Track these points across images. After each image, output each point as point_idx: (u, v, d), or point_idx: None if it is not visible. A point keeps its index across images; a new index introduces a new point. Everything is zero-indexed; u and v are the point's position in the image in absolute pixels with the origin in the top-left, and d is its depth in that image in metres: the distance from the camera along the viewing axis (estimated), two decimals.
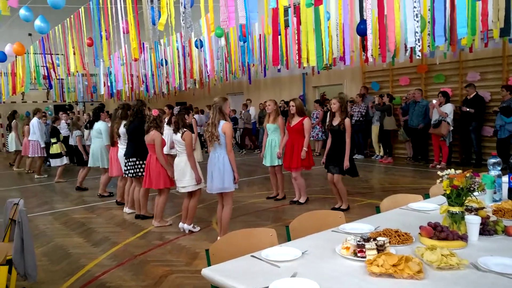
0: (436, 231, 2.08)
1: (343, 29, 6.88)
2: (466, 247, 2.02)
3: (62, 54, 10.56)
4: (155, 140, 5.20)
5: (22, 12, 7.12)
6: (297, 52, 7.72)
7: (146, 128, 5.30)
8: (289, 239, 2.44)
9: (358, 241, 1.93)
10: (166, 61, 11.56)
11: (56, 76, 12.59)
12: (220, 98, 4.49)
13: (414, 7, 4.73)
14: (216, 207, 4.78)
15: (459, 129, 8.99)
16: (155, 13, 6.11)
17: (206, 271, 1.89)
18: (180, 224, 5.15)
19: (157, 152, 5.21)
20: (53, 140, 9.10)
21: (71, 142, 8.95)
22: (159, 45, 11.26)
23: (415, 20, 4.72)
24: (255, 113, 14.02)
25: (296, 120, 6.10)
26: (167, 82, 12.24)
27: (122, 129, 5.96)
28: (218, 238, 4.55)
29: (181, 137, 4.79)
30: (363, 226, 2.41)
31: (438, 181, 2.29)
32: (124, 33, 7.78)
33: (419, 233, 2.13)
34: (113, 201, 6.97)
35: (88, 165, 7.52)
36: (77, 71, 9.99)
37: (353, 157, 6.20)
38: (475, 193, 2.23)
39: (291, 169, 6.15)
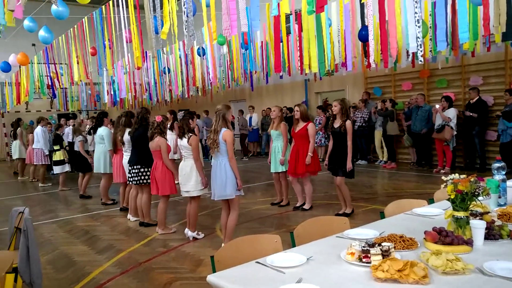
0: (441, 236, 2.08)
1: (344, 35, 6.92)
2: (472, 252, 2.02)
3: (65, 64, 10.66)
4: (161, 146, 5.22)
5: (26, 23, 7.19)
6: (299, 58, 7.76)
7: (150, 134, 5.33)
8: (293, 245, 2.44)
9: (363, 247, 1.93)
10: (169, 69, 11.63)
11: (60, 85, 12.68)
12: (223, 106, 4.51)
13: (416, 12, 4.74)
14: (220, 214, 4.78)
15: (463, 134, 8.97)
16: (158, 22, 6.16)
17: (212, 278, 1.89)
18: (186, 230, 5.15)
19: (164, 158, 5.23)
20: (56, 147, 9.14)
21: (75, 147, 8.98)
22: (161, 53, 11.33)
23: (416, 25, 4.73)
24: (257, 120, 14.08)
25: (300, 125, 6.11)
26: (170, 90, 12.29)
27: (126, 137, 5.98)
28: (223, 244, 4.55)
29: (187, 142, 4.81)
30: (367, 232, 2.40)
31: (442, 186, 2.29)
32: (127, 42, 7.86)
33: (424, 238, 2.13)
34: (116, 208, 6.98)
35: (93, 171, 7.56)
36: (80, 80, 10.06)
37: (356, 162, 6.20)
38: (480, 198, 2.23)
39: (297, 175, 6.15)
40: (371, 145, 11.13)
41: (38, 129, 10.06)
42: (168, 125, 7.47)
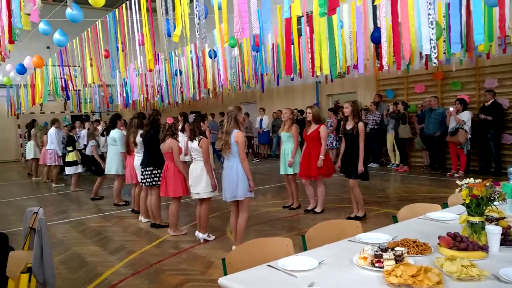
0: (456, 241, 2.05)
1: (356, 37, 6.89)
2: (487, 258, 1.98)
3: (79, 66, 10.80)
4: (173, 148, 5.24)
5: (42, 26, 7.31)
6: (310, 60, 7.74)
7: (162, 137, 5.35)
8: (305, 249, 2.42)
9: (376, 251, 1.91)
10: (181, 71, 11.70)
11: (73, 87, 12.85)
12: (235, 107, 4.51)
13: (429, 14, 4.69)
14: (230, 216, 4.78)
15: (477, 137, 8.85)
16: (170, 24, 6.20)
17: (223, 280, 1.89)
18: (196, 233, 5.17)
19: (176, 160, 5.25)
20: (69, 149, 9.25)
21: (87, 152, 9.08)
22: (173, 56, 11.41)
23: (430, 27, 4.68)
24: (268, 122, 14.08)
25: (312, 127, 6.08)
26: (181, 92, 12.37)
27: (138, 138, 6.03)
28: (233, 247, 4.55)
29: (198, 144, 4.83)
30: (380, 236, 2.38)
31: (457, 190, 2.25)
32: (139, 45, 7.93)
33: (438, 243, 2.10)
34: (128, 209, 7.03)
35: (105, 173, 7.63)
36: (93, 82, 10.18)
37: (368, 165, 6.14)
38: (496, 203, 2.19)
39: (310, 177, 6.12)
40: (383, 148, 11.03)
41: (52, 131, 10.20)
42: (180, 127, 7.50)
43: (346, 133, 5.65)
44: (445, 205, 3.18)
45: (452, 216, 2.71)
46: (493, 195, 2.14)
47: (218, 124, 13.75)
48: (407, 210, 3.02)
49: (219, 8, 5.96)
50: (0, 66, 10.36)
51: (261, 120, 14.16)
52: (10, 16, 5.98)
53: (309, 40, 7.71)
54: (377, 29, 6.25)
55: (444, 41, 6.11)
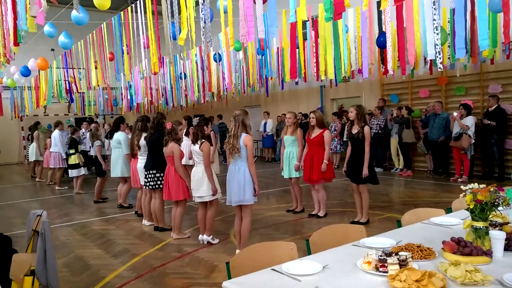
0: (460, 246, 2.04)
1: (361, 41, 6.89)
2: (491, 263, 1.98)
3: (83, 68, 10.85)
4: (174, 152, 5.26)
5: (47, 28, 7.35)
6: (315, 64, 7.75)
7: (165, 141, 5.37)
8: (309, 253, 2.42)
9: (380, 256, 1.91)
10: (185, 75, 11.73)
11: (77, 90, 12.90)
12: (241, 111, 4.51)
13: (434, 19, 4.69)
14: (234, 220, 4.78)
15: (481, 142, 8.82)
16: (176, 28, 6.22)
17: (227, 284, 1.89)
18: (200, 236, 5.16)
19: (176, 164, 5.26)
20: (71, 151, 9.28)
21: (92, 152, 9.10)
22: (178, 59, 11.44)
23: (435, 32, 4.68)
24: (272, 126, 14.09)
25: (316, 132, 6.09)
26: (186, 95, 12.40)
27: (142, 141, 6.04)
28: (237, 251, 4.55)
29: (199, 147, 4.84)
30: (384, 241, 2.38)
31: (461, 195, 2.25)
32: (144, 48, 7.97)
33: (442, 248, 2.10)
34: (132, 212, 7.04)
35: (111, 175, 7.65)
36: (98, 85, 10.23)
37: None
38: (500, 208, 2.19)
39: (312, 181, 6.12)
40: (387, 153, 11.01)
41: (56, 133, 10.24)
42: (184, 131, 7.50)
43: (352, 137, 5.65)
44: (449, 210, 3.18)
45: (456, 221, 2.70)
46: (497, 200, 2.13)
47: (217, 126, 13.77)
48: (411, 214, 3.02)
49: (225, 12, 5.99)
50: (4, 68, 10.41)
51: (265, 123, 14.18)
52: (15, 18, 6.02)
53: (314, 44, 7.72)
54: (382, 34, 6.26)
55: (449, 46, 6.10)
